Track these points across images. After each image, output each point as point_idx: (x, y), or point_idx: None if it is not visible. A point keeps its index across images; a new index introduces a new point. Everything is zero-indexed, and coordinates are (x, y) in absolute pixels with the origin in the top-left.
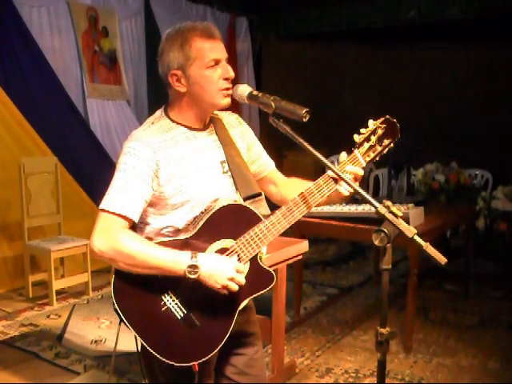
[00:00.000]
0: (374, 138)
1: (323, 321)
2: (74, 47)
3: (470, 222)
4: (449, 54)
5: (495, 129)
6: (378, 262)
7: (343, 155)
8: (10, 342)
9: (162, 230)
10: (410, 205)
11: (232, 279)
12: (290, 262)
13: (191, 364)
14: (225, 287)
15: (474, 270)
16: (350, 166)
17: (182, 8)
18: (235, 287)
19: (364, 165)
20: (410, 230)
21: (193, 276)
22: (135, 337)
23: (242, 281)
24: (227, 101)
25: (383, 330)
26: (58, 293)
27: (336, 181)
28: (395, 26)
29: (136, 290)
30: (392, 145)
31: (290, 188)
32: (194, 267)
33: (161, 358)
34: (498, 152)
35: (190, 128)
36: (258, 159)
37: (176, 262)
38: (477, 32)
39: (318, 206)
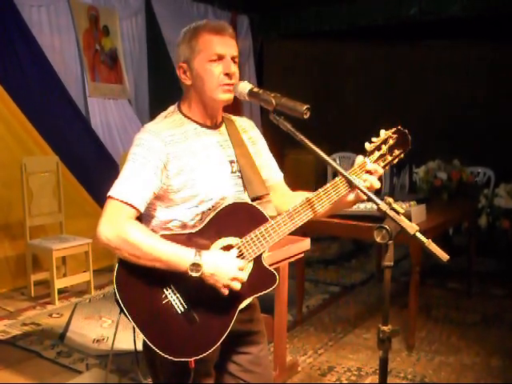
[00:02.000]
0: (384, 148)
1: (325, 319)
2: (75, 46)
3: (473, 219)
4: (450, 51)
5: (497, 126)
6: (380, 259)
7: (359, 158)
8: (12, 341)
9: (168, 223)
10: (412, 202)
11: (234, 279)
12: (292, 260)
13: (188, 360)
14: (226, 286)
15: (477, 268)
16: (367, 175)
17: (183, 7)
18: (237, 286)
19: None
20: (412, 227)
21: (195, 274)
22: (133, 335)
23: (244, 278)
24: (228, 96)
25: (385, 328)
26: (60, 292)
27: (347, 184)
28: (396, 24)
29: (138, 281)
30: (402, 155)
31: (296, 201)
32: (196, 265)
33: (158, 351)
34: (500, 150)
35: (201, 125)
36: (266, 167)
37: (180, 257)
38: (478, 30)
39: (327, 212)
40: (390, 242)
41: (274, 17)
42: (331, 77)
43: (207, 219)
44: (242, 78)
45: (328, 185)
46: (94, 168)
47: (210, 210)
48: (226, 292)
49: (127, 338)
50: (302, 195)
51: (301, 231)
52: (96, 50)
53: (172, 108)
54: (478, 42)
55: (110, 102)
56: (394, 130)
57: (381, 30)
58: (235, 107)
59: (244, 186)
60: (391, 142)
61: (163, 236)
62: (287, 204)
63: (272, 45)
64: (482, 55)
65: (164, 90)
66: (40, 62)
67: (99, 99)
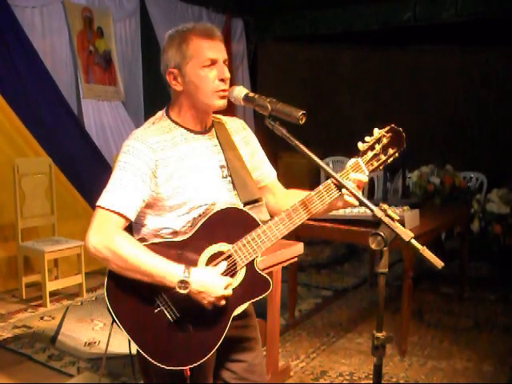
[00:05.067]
0: (378, 147)
1: (318, 323)
2: (69, 48)
3: (465, 224)
4: (444, 56)
5: (490, 131)
6: (372, 264)
7: (351, 161)
8: (3, 344)
9: (159, 231)
10: (406, 207)
11: (220, 298)
12: (285, 264)
13: (182, 368)
14: (211, 304)
15: (469, 273)
16: (354, 174)
17: (177, 9)
18: (222, 303)
19: (367, 173)
20: (406, 234)
21: (182, 291)
22: (128, 339)
23: (230, 294)
24: (222, 102)
25: (379, 335)
26: (52, 294)
27: (338, 188)
28: (391, 29)
29: (129, 290)
30: (397, 154)
31: (289, 200)
32: (185, 283)
33: (152, 360)
34: (492, 155)
35: (190, 130)
36: (260, 167)
37: (168, 274)
38: (472, 35)
39: (318, 214)
40: (385, 248)
41: (268, 20)
42: (325, 81)
43: (198, 225)
44: (235, 82)
45: (321, 187)
46: (87, 170)
47: (200, 215)
48: (210, 307)
49: (119, 341)
50: (295, 193)
51: (294, 235)
52: (90, 51)
53: (160, 114)
54: (471, 47)
55: (103, 104)
56: (387, 128)
57: (375, 35)
58: (229, 110)
59: (236, 190)
60: (385, 140)
61: (154, 244)
62: (281, 203)
63: (266, 48)
64: (476, 60)
65: (158, 92)
66: (33, 63)
67: (93, 101)
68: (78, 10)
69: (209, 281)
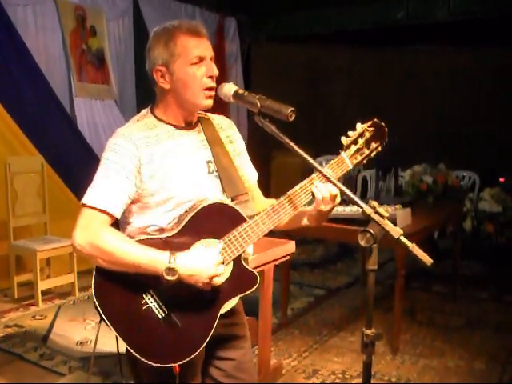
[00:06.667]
0: (361, 141)
1: (310, 322)
2: (61, 46)
3: (458, 223)
4: (438, 56)
5: (482, 131)
6: (365, 263)
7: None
8: None
9: (145, 228)
10: (398, 206)
11: (214, 276)
12: (277, 262)
13: (172, 365)
14: (207, 285)
15: (461, 272)
16: (319, 183)
17: (170, 8)
18: (218, 283)
19: (351, 167)
20: (396, 231)
21: (171, 278)
22: (116, 337)
23: (224, 273)
24: (209, 102)
25: (369, 332)
26: (44, 293)
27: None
28: (384, 29)
29: (116, 288)
30: (380, 148)
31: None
32: (172, 270)
33: (141, 358)
34: (485, 154)
35: (175, 126)
36: (242, 169)
37: (154, 262)
38: (465, 35)
39: (297, 226)
40: (374, 245)
41: (262, 20)
42: (319, 80)
43: (184, 221)
44: (229, 81)
45: (305, 181)
46: (80, 169)
47: (187, 211)
48: (208, 288)
49: (110, 340)
50: (273, 202)
51: (286, 233)
52: (83, 50)
53: (144, 111)
54: (465, 46)
55: (96, 103)
56: (370, 123)
57: (369, 34)
58: (222, 109)
59: (222, 186)
60: (368, 135)
61: (140, 241)
62: (257, 209)
63: (260, 48)
64: (469, 60)
65: (151, 91)
66: (26, 61)
67: (85, 99)
68: (70, 9)
69: (197, 262)
